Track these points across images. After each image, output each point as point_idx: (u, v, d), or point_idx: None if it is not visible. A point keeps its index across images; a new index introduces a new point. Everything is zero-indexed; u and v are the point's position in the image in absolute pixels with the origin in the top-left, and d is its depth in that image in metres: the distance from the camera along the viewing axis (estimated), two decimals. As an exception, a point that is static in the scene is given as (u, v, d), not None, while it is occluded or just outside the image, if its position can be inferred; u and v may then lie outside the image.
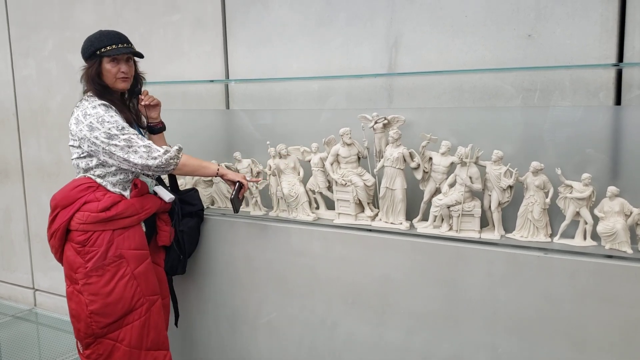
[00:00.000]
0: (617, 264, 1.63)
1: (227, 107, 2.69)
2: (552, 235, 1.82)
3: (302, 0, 2.40)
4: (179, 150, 2.00)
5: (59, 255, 2.03)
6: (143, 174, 2.08)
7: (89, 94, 1.99)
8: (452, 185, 1.94)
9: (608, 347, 1.64)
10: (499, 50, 2.01)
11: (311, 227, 2.14)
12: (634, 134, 1.76)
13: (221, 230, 2.33)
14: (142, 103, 2.18)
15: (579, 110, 1.85)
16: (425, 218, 2.03)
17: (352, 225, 2.10)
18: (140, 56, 2.05)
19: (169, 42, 2.84)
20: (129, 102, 2.14)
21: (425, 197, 2.02)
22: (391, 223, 2.04)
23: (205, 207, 2.41)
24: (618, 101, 1.85)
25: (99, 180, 1.97)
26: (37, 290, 3.74)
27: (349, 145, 2.12)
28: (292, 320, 2.21)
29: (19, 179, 3.68)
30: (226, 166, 2.30)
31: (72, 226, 1.94)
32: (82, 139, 1.91)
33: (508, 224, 1.89)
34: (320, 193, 2.23)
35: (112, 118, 1.91)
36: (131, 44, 2.02)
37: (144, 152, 1.91)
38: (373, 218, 2.10)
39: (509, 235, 1.87)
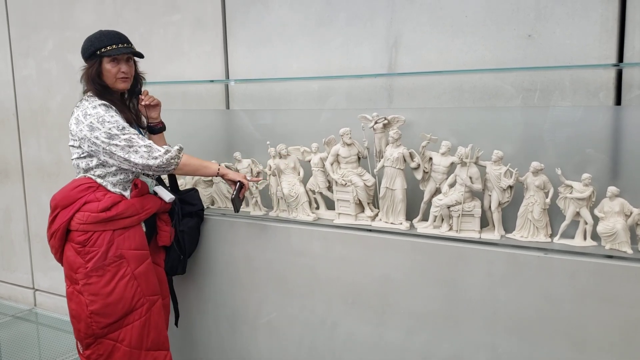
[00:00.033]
0: (617, 264, 1.63)
1: (227, 107, 2.69)
2: (552, 236, 1.83)
3: (302, 0, 2.41)
4: (180, 150, 2.00)
5: (59, 256, 2.02)
6: (143, 174, 2.08)
7: (89, 94, 1.99)
8: (452, 186, 1.94)
9: (608, 347, 1.64)
10: (499, 50, 2.01)
11: (311, 227, 2.14)
12: (634, 134, 1.76)
13: (221, 230, 2.33)
14: (143, 103, 2.18)
15: (579, 111, 1.85)
16: (425, 218, 2.03)
17: (352, 225, 2.10)
18: (141, 56, 2.05)
19: (169, 42, 2.84)
20: (129, 102, 2.14)
21: (426, 197, 2.02)
22: (391, 223, 2.04)
23: (205, 207, 2.41)
24: (618, 101, 1.85)
25: (99, 180, 1.97)
26: (37, 290, 3.75)
27: (349, 145, 2.12)
28: (292, 320, 2.21)
29: (19, 179, 3.68)
30: (226, 166, 2.30)
31: (72, 226, 1.94)
32: (82, 139, 1.91)
33: (508, 224, 1.89)
34: (320, 193, 2.23)
35: (113, 118, 1.91)
36: (131, 44, 2.02)
37: (144, 152, 1.91)
38: (373, 218, 2.10)
39: (509, 235, 1.87)
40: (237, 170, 2.31)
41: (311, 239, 2.11)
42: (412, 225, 2.03)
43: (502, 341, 1.79)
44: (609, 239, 1.71)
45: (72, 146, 1.98)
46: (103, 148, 1.89)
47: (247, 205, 2.37)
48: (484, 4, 2.02)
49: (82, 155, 1.96)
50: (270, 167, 2.24)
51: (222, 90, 2.69)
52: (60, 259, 2.04)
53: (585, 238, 1.78)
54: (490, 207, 1.90)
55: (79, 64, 2.04)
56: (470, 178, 1.89)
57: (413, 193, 2.06)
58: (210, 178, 2.43)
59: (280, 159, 2.26)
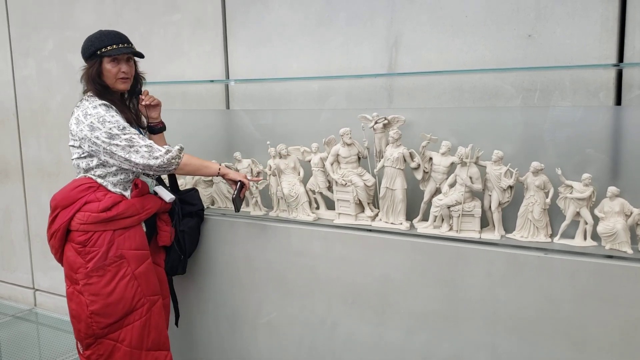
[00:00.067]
0: (617, 264, 1.63)
1: (227, 107, 2.69)
2: (552, 236, 1.82)
3: (302, 0, 2.40)
4: (181, 150, 2.00)
5: (59, 256, 2.02)
6: (143, 174, 2.07)
7: (89, 94, 1.99)
8: (452, 186, 1.94)
9: (608, 347, 1.64)
10: (499, 50, 2.01)
11: (311, 227, 2.14)
12: (634, 134, 1.76)
13: (221, 230, 2.33)
14: (143, 103, 2.18)
15: (579, 111, 1.85)
16: (425, 218, 2.03)
17: (352, 225, 2.10)
18: (141, 56, 2.05)
19: (169, 42, 2.84)
20: (129, 102, 2.14)
21: (426, 197, 2.02)
22: (391, 223, 2.04)
23: (205, 207, 2.41)
24: (618, 101, 1.85)
25: (99, 180, 1.97)
26: (37, 290, 3.75)
27: (349, 145, 2.11)
28: (292, 320, 2.21)
29: (19, 179, 3.68)
30: (226, 166, 2.30)
31: (72, 226, 1.94)
32: (82, 139, 1.91)
33: (508, 224, 1.89)
34: (321, 193, 2.23)
35: (113, 118, 1.91)
36: (131, 44, 2.02)
37: (145, 151, 1.91)
38: (373, 218, 2.10)
39: (509, 235, 1.87)
40: (237, 170, 2.31)
41: (311, 239, 2.11)
42: (412, 225, 2.03)
43: (502, 341, 1.79)
44: (609, 239, 1.71)
45: (72, 146, 1.98)
46: (104, 148, 1.89)
47: (247, 205, 2.37)
48: (484, 4, 2.02)
49: (82, 155, 1.96)
50: (270, 167, 2.24)
51: (222, 90, 2.69)
52: (60, 259, 2.04)
53: (585, 238, 1.78)
54: (490, 207, 1.90)
55: (79, 64, 2.04)
56: (471, 178, 1.89)
57: (413, 193, 2.06)
58: (210, 178, 2.43)
59: (280, 159, 2.26)
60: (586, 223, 1.77)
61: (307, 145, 2.24)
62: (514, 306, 1.76)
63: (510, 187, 1.84)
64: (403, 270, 1.94)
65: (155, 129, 2.25)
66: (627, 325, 1.61)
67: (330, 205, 2.22)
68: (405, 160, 2.00)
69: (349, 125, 2.10)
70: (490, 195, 1.89)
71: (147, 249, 2.07)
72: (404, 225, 2.01)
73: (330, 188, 2.20)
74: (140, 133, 2.07)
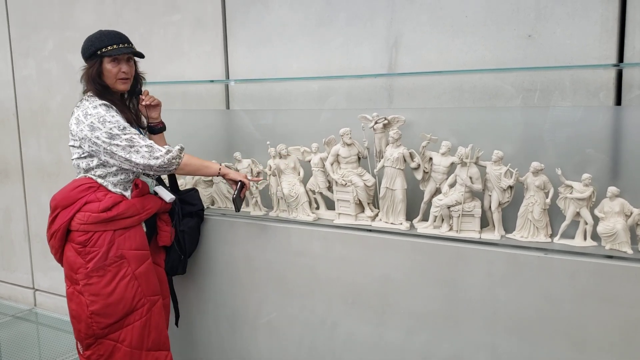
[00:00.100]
0: (617, 264, 1.63)
1: (227, 107, 2.69)
2: (552, 236, 1.83)
3: (302, 0, 2.40)
4: (181, 150, 2.00)
5: (59, 256, 2.02)
6: (143, 174, 2.07)
7: (89, 94, 1.99)
8: (452, 186, 1.94)
9: (608, 347, 1.64)
10: (499, 50, 2.01)
11: (311, 227, 2.14)
12: (634, 134, 1.76)
13: (221, 230, 2.33)
14: (143, 103, 2.18)
15: (579, 111, 1.85)
16: (425, 218, 2.03)
17: (352, 225, 2.10)
18: (141, 56, 2.05)
19: (169, 42, 2.84)
20: (129, 102, 2.14)
21: (426, 198, 2.02)
22: (391, 223, 2.04)
23: (205, 207, 2.41)
24: (618, 101, 1.85)
25: (99, 180, 1.97)
26: (37, 290, 3.75)
27: (349, 145, 2.12)
28: (292, 320, 2.21)
29: (19, 179, 3.68)
30: (226, 166, 2.30)
31: (72, 226, 1.94)
32: (82, 139, 1.91)
33: (508, 224, 1.89)
34: (321, 193, 2.23)
35: (114, 118, 1.91)
36: (132, 44, 2.02)
37: (145, 152, 1.91)
38: (373, 218, 2.10)
39: (509, 235, 1.87)
40: (238, 170, 2.31)
41: (311, 239, 2.12)
42: (412, 226, 2.03)
43: (502, 341, 1.79)
44: (609, 239, 1.71)
45: (73, 146, 1.97)
46: (104, 148, 1.89)
47: (247, 205, 2.37)
48: (484, 4, 2.02)
49: (82, 156, 1.96)
50: (271, 167, 2.24)
51: (222, 90, 2.69)
52: (60, 260, 2.03)
53: (585, 238, 1.78)
54: (490, 207, 1.90)
55: (79, 64, 2.04)
56: (471, 178, 1.89)
57: (413, 193, 2.06)
58: (210, 178, 2.43)
59: (281, 159, 2.26)
60: (586, 223, 1.77)
61: (307, 145, 2.24)
62: (514, 306, 1.76)
63: (510, 187, 1.84)
64: (403, 270, 1.94)
65: (155, 129, 2.25)
66: (627, 325, 1.61)
67: (330, 205, 2.22)
68: (405, 160, 2.00)
69: (349, 125, 2.10)
70: (490, 196, 1.89)
71: (147, 249, 2.07)
72: (404, 226, 2.01)
73: (330, 188, 2.20)
74: (140, 133, 2.07)
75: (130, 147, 1.90)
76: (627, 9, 1.82)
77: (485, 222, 1.94)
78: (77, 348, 2.05)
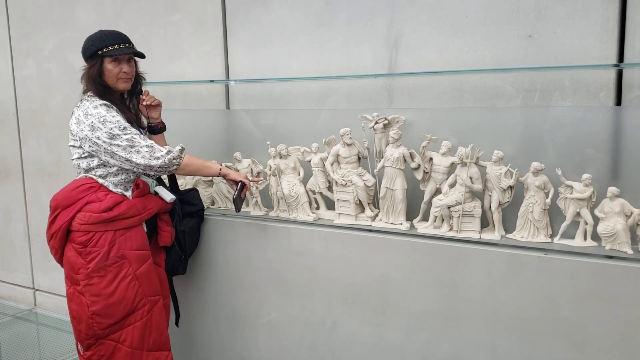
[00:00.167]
0: (618, 264, 1.63)
1: (228, 107, 2.69)
2: (552, 236, 1.83)
3: (302, 0, 2.40)
4: (182, 150, 2.00)
5: (59, 256, 2.02)
6: (144, 175, 2.07)
7: (89, 94, 1.99)
8: (452, 186, 1.95)
9: (608, 347, 1.64)
10: (499, 50, 2.01)
11: (311, 227, 2.14)
12: (635, 135, 1.76)
13: (221, 231, 2.33)
14: (144, 103, 2.18)
15: (579, 111, 1.85)
16: (425, 218, 2.03)
17: (353, 225, 2.10)
18: (142, 56, 2.05)
19: (169, 42, 2.84)
20: (129, 102, 2.14)
21: (426, 198, 2.02)
22: (391, 223, 2.04)
23: (205, 207, 2.41)
24: (618, 101, 1.85)
25: (100, 180, 1.96)
26: (37, 290, 3.75)
27: (349, 145, 2.12)
28: (292, 320, 2.21)
29: (19, 179, 3.68)
30: (226, 166, 2.30)
31: (73, 227, 1.94)
32: (83, 139, 1.91)
33: (508, 225, 1.89)
34: (321, 193, 2.24)
35: (114, 118, 1.91)
36: (132, 44, 2.01)
37: (146, 152, 1.91)
38: (373, 218, 2.10)
39: (509, 235, 1.87)
40: (238, 170, 2.31)
41: (311, 239, 2.12)
42: (412, 226, 2.03)
43: (502, 341, 1.79)
44: (609, 240, 1.71)
45: (73, 146, 1.97)
46: (104, 148, 1.89)
47: (248, 205, 2.37)
48: (484, 4, 2.02)
49: (82, 156, 1.96)
50: (271, 167, 2.24)
51: (223, 90, 2.69)
52: (60, 260, 2.03)
53: (585, 238, 1.78)
54: (490, 207, 1.90)
55: (79, 64, 2.03)
56: (471, 178, 1.89)
57: (413, 193, 2.06)
58: (210, 178, 2.43)
59: (281, 159, 2.26)
60: (586, 223, 1.77)
61: (307, 145, 2.24)
62: (514, 306, 1.76)
63: (511, 187, 1.85)
64: (403, 271, 1.94)
65: (155, 129, 2.25)
66: (627, 326, 1.61)
67: (330, 205, 2.22)
68: (405, 160, 2.00)
69: (349, 125, 2.10)
70: (490, 196, 1.89)
71: (148, 249, 2.07)
72: (404, 226, 2.01)
73: (330, 188, 2.20)
74: (141, 133, 2.07)
75: (131, 147, 1.90)
76: (627, 9, 1.82)
77: (485, 222, 1.94)
78: (77, 348, 2.05)
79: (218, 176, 2.15)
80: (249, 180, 2.15)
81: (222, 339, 2.41)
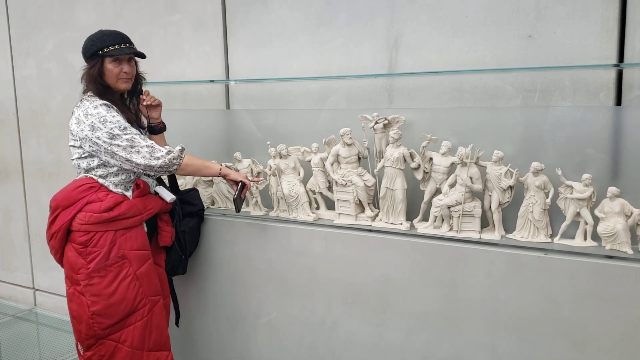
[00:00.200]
0: (618, 264, 1.63)
1: (228, 107, 2.69)
2: (552, 236, 1.83)
3: (302, 0, 2.40)
4: (182, 150, 2.00)
5: (59, 257, 2.02)
6: (144, 175, 2.07)
7: (89, 93, 1.99)
8: (452, 186, 1.95)
9: (608, 347, 1.64)
10: (499, 50, 2.01)
11: (311, 227, 2.14)
12: (635, 135, 1.76)
13: (221, 231, 2.33)
14: (144, 103, 2.18)
15: (579, 111, 1.85)
16: (425, 218, 2.03)
17: (353, 225, 2.10)
18: (143, 56, 2.05)
19: (169, 42, 2.84)
20: (129, 102, 2.14)
21: (426, 198, 2.02)
22: (391, 223, 2.04)
23: (205, 207, 2.41)
24: (618, 101, 1.85)
25: (100, 180, 1.96)
26: (37, 290, 3.75)
27: (349, 145, 2.12)
28: (292, 320, 2.21)
29: (19, 179, 3.68)
30: (226, 166, 2.30)
31: (73, 227, 1.94)
32: (83, 139, 1.91)
33: (508, 225, 1.89)
34: (321, 193, 2.24)
35: (114, 118, 1.91)
36: (133, 44, 2.01)
37: (146, 152, 1.91)
38: (373, 218, 2.10)
39: (509, 235, 1.87)
40: (238, 170, 2.31)
41: (311, 239, 2.12)
42: (412, 226, 2.03)
43: (502, 341, 1.79)
44: (609, 240, 1.71)
45: (73, 146, 1.97)
46: (105, 148, 1.89)
47: (248, 205, 2.37)
48: (484, 4, 2.02)
49: (82, 156, 1.96)
50: (271, 167, 2.24)
51: (223, 90, 2.69)
52: (60, 260, 2.03)
53: (585, 238, 1.78)
54: (490, 207, 1.90)
55: (79, 64, 2.03)
56: (471, 178, 1.89)
57: (413, 193, 2.06)
58: (210, 178, 2.43)
59: (281, 159, 2.26)
60: (586, 223, 1.77)
61: (307, 145, 2.24)
62: (514, 306, 1.76)
63: (511, 187, 1.85)
64: (403, 271, 1.94)
65: (155, 129, 2.25)
66: (627, 326, 1.61)
67: (331, 205, 2.22)
68: (405, 160, 2.00)
69: (349, 125, 2.10)
70: (490, 196, 1.89)
71: (148, 249, 2.07)
72: (404, 226, 2.01)
73: (330, 188, 2.20)
74: (141, 133, 2.07)
75: (131, 148, 1.90)
76: (627, 9, 1.82)
77: (485, 222, 1.94)
78: (77, 349, 2.05)
79: (218, 176, 2.15)
80: (249, 180, 2.15)
81: (222, 339, 2.41)
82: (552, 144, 1.85)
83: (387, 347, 2.01)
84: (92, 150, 1.92)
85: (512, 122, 1.93)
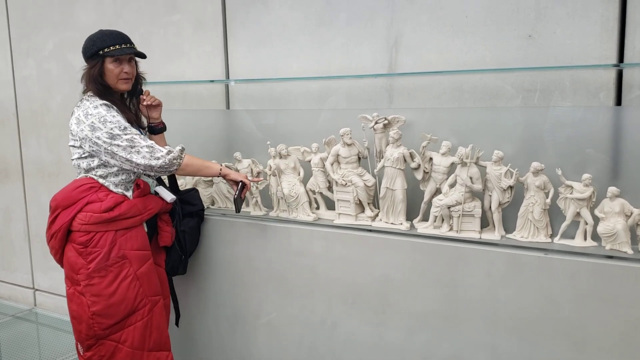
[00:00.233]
0: (618, 264, 1.63)
1: (228, 107, 2.69)
2: (552, 236, 1.83)
3: (302, 0, 2.40)
4: (182, 150, 2.00)
5: (59, 257, 2.01)
6: (144, 175, 2.07)
7: (89, 93, 1.99)
8: (452, 186, 1.95)
9: (608, 347, 1.64)
10: (499, 50, 2.01)
11: (311, 227, 2.14)
12: (635, 135, 1.76)
13: (221, 231, 2.33)
14: (144, 103, 2.18)
15: (579, 111, 1.85)
16: (425, 218, 2.03)
17: (353, 225, 2.10)
18: (143, 57, 2.05)
19: (169, 42, 2.84)
20: (129, 102, 2.14)
21: (426, 198, 2.02)
22: (391, 223, 2.04)
23: (205, 207, 2.41)
24: (618, 101, 1.85)
25: (100, 180, 1.96)
26: (37, 290, 3.75)
27: (349, 145, 2.12)
28: (292, 320, 2.21)
29: (19, 179, 3.68)
30: (226, 166, 2.30)
31: (73, 227, 1.93)
32: (83, 139, 1.91)
33: (508, 225, 1.89)
34: (321, 193, 2.24)
35: (114, 118, 1.91)
36: (133, 44, 2.01)
37: (146, 152, 1.91)
38: (373, 218, 2.10)
39: (509, 235, 1.87)
40: (238, 171, 2.31)
41: (311, 239, 2.12)
42: (412, 226, 2.03)
43: (502, 341, 1.79)
44: (609, 240, 1.71)
45: (73, 146, 1.97)
46: (105, 148, 1.89)
47: (248, 205, 2.37)
48: (484, 4, 2.02)
49: (82, 156, 1.96)
50: (271, 167, 2.24)
51: (223, 90, 2.69)
52: (60, 260, 2.03)
53: (585, 238, 1.78)
54: (490, 207, 1.90)
55: (79, 64, 2.03)
56: (471, 178, 1.89)
57: (413, 193, 2.06)
58: (210, 178, 2.43)
59: (281, 159, 2.26)
60: (586, 223, 1.77)
61: (307, 145, 2.24)
62: (514, 306, 1.76)
63: (511, 187, 1.85)
64: (403, 271, 1.94)
65: (156, 129, 2.25)
66: (627, 326, 1.61)
67: (330, 205, 2.22)
68: (405, 160, 2.00)
69: (349, 125, 2.10)
70: (490, 196, 1.89)
71: (148, 249, 2.07)
72: (404, 226, 2.01)
73: (330, 188, 2.20)
74: (141, 133, 2.07)
75: (131, 148, 1.90)
76: (627, 9, 1.82)
77: (485, 222, 1.94)
78: (77, 349, 2.05)
79: (218, 176, 2.15)
80: (249, 180, 2.15)
81: (222, 339, 2.41)
82: (552, 144, 1.85)
83: (387, 347, 2.01)
84: (92, 151, 1.92)
85: (512, 122, 1.93)
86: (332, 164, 2.14)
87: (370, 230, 2.05)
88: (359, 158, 2.15)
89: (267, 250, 2.21)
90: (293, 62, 2.46)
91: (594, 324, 1.65)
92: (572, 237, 1.80)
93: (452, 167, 1.95)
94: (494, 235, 1.88)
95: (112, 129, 1.88)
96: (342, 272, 2.06)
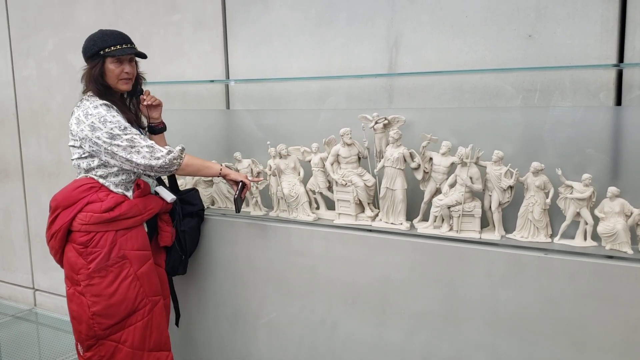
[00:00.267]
0: (618, 264, 1.63)
1: (228, 107, 2.69)
2: (552, 236, 1.83)
3: (302, 0, 2.40)
4: (182, 150, 2.00)
5: (59, 257, 2.01)
6: (144, 175, 2.07)
7: (89, 93, 1.99)
8: (452, 186, 1.95)
9: (608, 347, 1.64)
10: (499, 50, 2.01)
11: (311, 227, 2.14)
12: (635, 135, 1.76)
13: (221, 230, 2.33)
14: (145, 103, 2.18)
15: (579, 111, 1.85)
16: (425, 218, 2.03)
17: (353, 225, 2.10)
18: (144, 57, 2.04)
19: (169, 42, 2.84)
20: (129, 102, 2.14)
21: (426, 198, 2.02)
22: (391, 223, 2.04)
23: (205, 207, 2.41)
24: (618, 101, 1.85)
25: (101, 180, 1.96)
26: (37, 290, 3.75)
27: (349, 145, 2.12)
28: (292, 320, 2.21)
29: (19, 179, 3.68)
30: (226, 166, 2.30)
31: (74, 227, 1.93)
32: (83, 139, 1.91)
33: (508, 225, 1.89)
34: (321, 193, 2.24)
35: (114, 118, 1.91)
36: (134, 44, 2.01)
37: (146, 152, 1.91)
38: (373, 218, 2.10)
39: (509, 235, 1.87)
40: (238, 171, 2.31)
41: (311, 239, 2.12)
42: (412, 226, 2.03)
43: (502, 341, 1.79)
44: (609, 240, 1.71)
45: (73, 146, 1.97)
46: (105, 148, 1.89)
47: (248, 205, 2.37)
48: (484, 4, 2.02)
49: (82, 156, 1.95)
50: (271, 167, 2.24)
51: (222, 90, 2.69)
52: (60, 260, 2.03)
53: (585, 238, 1.78)
54: (490, 207, 1.90)
55: (79, 64, 2.03)
56: (471, 178, 1.89)
57: (413, 193, 2.06)
58: (210, 178, 2.43)
59: (281, 159, 2.26)
60: (586, 223, 1.77)
61: (307, 145, 2.24)
62: (514, 306, 1.76)
63: (511, 187, 1.85)
64: (403, 271, 1.94)
65: (156, 129, 2.25)
66: (627, 326, 1.61)
67: (331, 205, 2.22)
68: (405, 160, 2.00)
69: (349, 125, 2.10)
70: (490, 196, 1.89)
71: (149, 249, 2.07)
72: (404, 226, 2.01)
73: (330, 188, 2.20)
74: (141, 133, 2.07)
75: (131, 148, 1.89)
76: (627, 9, 1.82)
77: (485, 222, 1.94)
78: (77, 349, 2.05)
79: (218, 176, 2.15)
80: (249, 180, 2.15)
81: (222, 339, 2.41)
82: (552, 144, 1.85)
83: (387, 347, 2.01)
84: (92, 151, 1.91)
85: (512, 122, 1.93)
86: (332, 164, 2.14)
87: (370, 230, 2.05)
88: (359, 158, 2.15)
89: (267, 250, 2.21)
90: (293, 62, 2.46)
91: (594, 324, 1.65)
92: (572, 237, 1.80)
93: (452, 167, 1.95)
94: (494, 235, 1.88)
95: (112, 129, 1.88)
96: (342, 272, 2.06)
